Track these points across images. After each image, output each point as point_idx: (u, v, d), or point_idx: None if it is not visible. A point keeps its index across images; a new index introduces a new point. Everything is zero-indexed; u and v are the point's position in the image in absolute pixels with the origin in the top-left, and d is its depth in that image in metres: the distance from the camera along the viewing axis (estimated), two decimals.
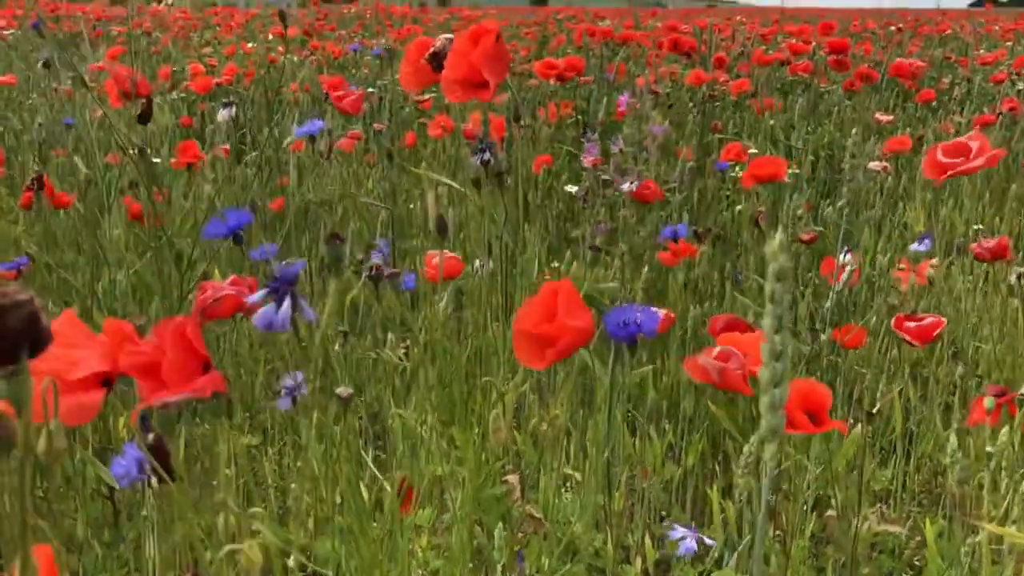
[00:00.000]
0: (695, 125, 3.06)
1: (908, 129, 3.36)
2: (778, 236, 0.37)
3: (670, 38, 3.07)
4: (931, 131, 3.17)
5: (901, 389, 1.32)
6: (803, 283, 1.72)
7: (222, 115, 1.28)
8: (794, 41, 3.79)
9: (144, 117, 1.45)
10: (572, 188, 2.41)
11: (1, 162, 1.70)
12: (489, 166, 0.89)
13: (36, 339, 0.34)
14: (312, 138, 1.30)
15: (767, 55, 3.18)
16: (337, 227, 1.86)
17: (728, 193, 2.25)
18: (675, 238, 1.33)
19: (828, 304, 1.13)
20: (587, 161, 1.90)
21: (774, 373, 0.38)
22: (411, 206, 2.19)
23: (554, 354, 0.76)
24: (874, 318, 1.38)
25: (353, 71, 4.14)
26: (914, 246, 1.35)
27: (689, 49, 3.51)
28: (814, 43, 3.58)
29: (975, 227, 2.16)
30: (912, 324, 1.05)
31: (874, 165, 2.04)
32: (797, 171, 2.33)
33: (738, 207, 1.90)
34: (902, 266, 1.59)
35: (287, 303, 0.55)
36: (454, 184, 1.34)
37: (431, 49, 0.89)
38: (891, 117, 2.45)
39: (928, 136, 3.17)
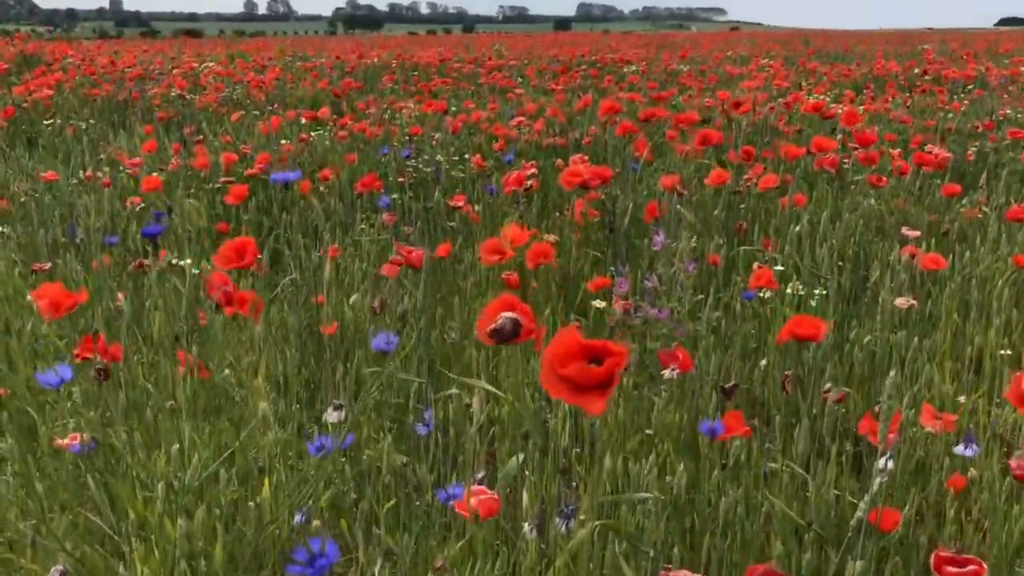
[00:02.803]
0: (720, 223, 3.11)
1: (936, 214, 3.38)
2: None
3: (699, 134, 3.11)
4: (957, 223, 3.19)
5: None
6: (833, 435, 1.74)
7: (331, 416, 1.34)
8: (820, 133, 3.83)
9: (219, 308, 1.54)
10: (601, 304, 2.46)
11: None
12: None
13: None
14: (385, 353, 1.38)
15: (795, 148, 3.21)
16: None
17: (756, 326, 2.28)
18: (713, 434, 1.37)
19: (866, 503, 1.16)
20: (618, 306, 1.95)
21: None
22: (446, 335, 2.24)
23: None
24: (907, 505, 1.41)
25: (383, 159, 4.23)
26: (958, 449, 1.38)
27: (716, 142, 3.56)
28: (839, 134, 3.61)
29: (1001, 351, 2.17)
30: (953, 569, 1.06)
31: (900, 302, 2.06)
32: (825, 291, 2.36)
33: (763, 361, 1.94)
34: (930, 427, 1.62)
35: None
36: (498, 392, 1.39)
37: (493, 326, 0.95)
38: (918, 233, 2.48)
39: (953, 230, 3.19)
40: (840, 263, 2.75)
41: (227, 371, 2.06)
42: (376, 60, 9.92)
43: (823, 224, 2.75)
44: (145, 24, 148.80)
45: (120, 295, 2.17)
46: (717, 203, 3.24)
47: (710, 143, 3.07)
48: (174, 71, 8.52)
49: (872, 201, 3.03)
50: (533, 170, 3.25)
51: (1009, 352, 2.19)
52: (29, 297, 2.19)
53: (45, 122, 4.84)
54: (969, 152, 4.46)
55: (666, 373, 1.48)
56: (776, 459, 1.54)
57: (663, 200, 2.87)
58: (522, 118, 4.74)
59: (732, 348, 2.23)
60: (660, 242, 2.06)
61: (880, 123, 5.72)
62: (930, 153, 3.26)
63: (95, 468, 1.48)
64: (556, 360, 0.85)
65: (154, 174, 3.92)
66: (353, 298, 2.02)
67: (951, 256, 2.70)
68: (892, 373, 1.04)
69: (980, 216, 3.30)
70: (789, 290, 2.33)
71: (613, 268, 2.77)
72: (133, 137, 5.45)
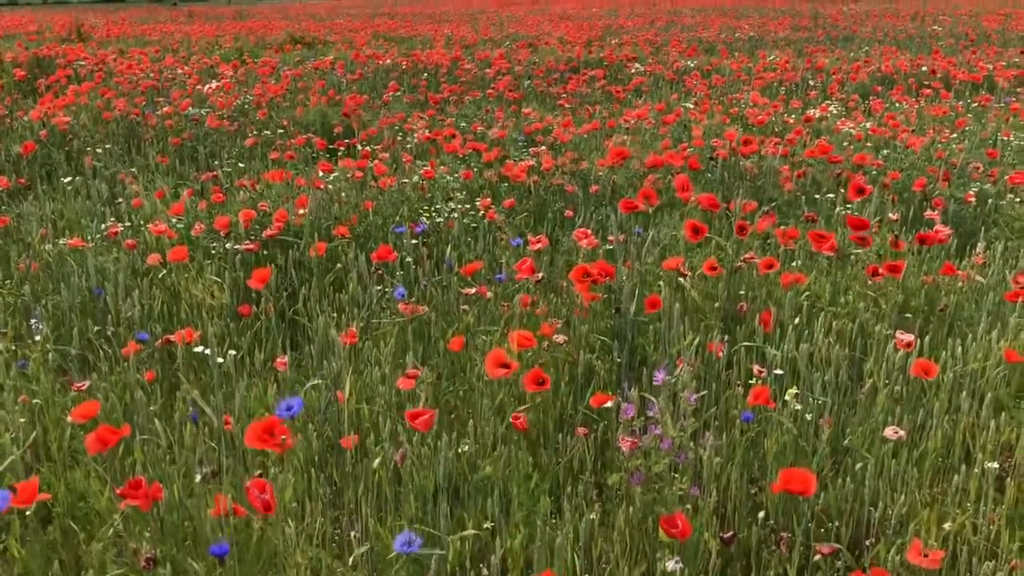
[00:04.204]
0: (722, 301, 3.22)
1: (933, 276, 3.47)
2: None
3: (689, 224, 3.19)
4: (953, 299, 3.28)
5: None
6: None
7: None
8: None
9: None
10: (608, 403, 2.58)
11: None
12: None
13: None
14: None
15: (791, 229, 3.30)
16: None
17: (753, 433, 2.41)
18: None
19: None
20: (624, 445, 2.08)
21: None
22: (460, 452, 2.36)
23: None
24: None
25: (400, 198, 4.34)
26: None
27: (711, 206, 3.66)
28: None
29: (988, 465, 2.29)
30: None
31: (888, 433, 2.18)
32: (824, 399, 2.48)
33: (760, 513, 2.06)
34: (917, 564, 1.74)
35: None
36: None
37: None
38: (911, 338, 2.58)
39: (950, 304, 3.28)
40: (838, 347, 2.86)
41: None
42: (389, 61, 9.95)
43: (822, 321, 2.86)
44: None
45: (158, 423, 2.30)
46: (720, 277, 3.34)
47: (703, 234, 3.16)
48: (185, 77, 8.58)
49: (870, 281, 3.13)
50: (540, 245, 3.37)
51: (996, 465, 2.31)
52: (70, 418, 2.32)
53: (64, 179, 4.93)
54: (969, 193, 4.54)
55: (670, 565, 1.61)
56: None
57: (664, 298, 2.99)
58: (531, 160, 4.83)
59: (733, 460, 2.36)
60: (661, 379, 2.18)
61: (887, 148, 5.79)
62: (933, 231, 3.36)
63: None
64: None
65: (175, 220, 4.05)
66: (376, 462, 2.14)
67: (944, 347, 2.82)
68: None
69: (977, 283, 3.40)
70: (788, 397, 2.45)
71: (619, 358, 2.90)
72: (148, 169, 5.56)
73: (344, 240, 3.85)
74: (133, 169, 5.63)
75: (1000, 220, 4.28)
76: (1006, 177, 4.64)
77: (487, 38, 16.94)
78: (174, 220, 3.94)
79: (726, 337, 2.82)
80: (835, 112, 7.32)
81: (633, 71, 9.73)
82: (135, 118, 6.52)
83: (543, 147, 5.89)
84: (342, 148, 5.94)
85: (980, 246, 3.55)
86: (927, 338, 3.03)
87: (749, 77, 9.31)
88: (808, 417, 2.41)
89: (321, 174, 4.37)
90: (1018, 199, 4.47)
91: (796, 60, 11.27)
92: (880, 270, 2.98)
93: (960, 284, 3.36)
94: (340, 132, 6.42)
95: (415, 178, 4.68)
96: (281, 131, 6.50)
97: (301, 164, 5.56)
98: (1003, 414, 2.62)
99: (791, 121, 6.77)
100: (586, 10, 32.80)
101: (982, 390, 2.72)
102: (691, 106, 7.72)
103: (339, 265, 3.67)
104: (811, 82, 9.37)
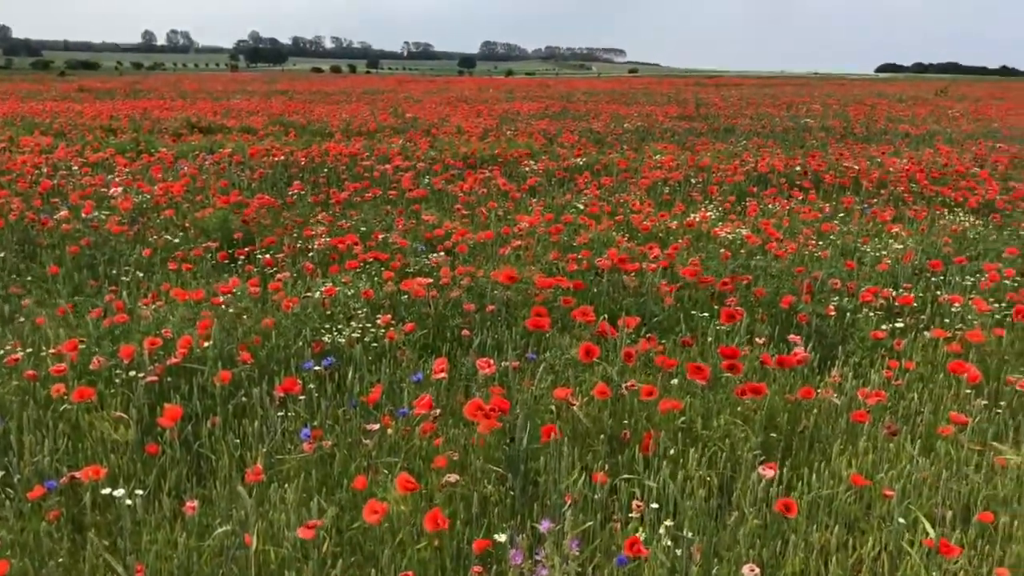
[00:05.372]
0: (607, 428, 3.49)
1: (793, 395, 3.83)
2: None
3: (583, 347, 3.47)
4: (812, 419, 3.64)
5: None
6: None
7: None
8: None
9: None
10: (502, 539, 2.79)
11: None
12: None
13: None
14: None
15: (669, 360, 3.62)
16: None
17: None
18: None
19: None
20: None
21: None
22: None
23: None
24: None
25: (302, 317, 4.50)
26: None
27: (604, 332, 3.96)
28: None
29: None
30: None
31: (745, 571, 2.46)
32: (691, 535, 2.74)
33: None
34: None
35: None
36: None
37: None
38: (773, 473, 2.89)
39: (809, 425, 3.64)
40: (709, 476, 3.15)
41: None
42: (284, 157, 10.12)
43: (694, 451, 3.15)
44: (36, 53, 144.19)
45: None
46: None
47: (594, 355, 3.45)
48: (81, 175, 8.55)
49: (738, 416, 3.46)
50: (443, 374, 3.58)
51: None
52: None
53: None
54: (829, 307, 4.98)
55: None
56: None
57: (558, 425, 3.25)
58: (430, 278, 5.08)
59: None
60: (547, 527, 2.41)
61: (759, 254, 6.27)
62: (793, 354, 3.73)
63: None
64: None
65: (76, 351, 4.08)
66: None
67: (804, 466, 3.15)
68: None
69: (835, 401, 3.76)
70: (662, 530, 2.70)
71: (512, 491, 3.11)
72: (45, 279, 5.55)
73: (248, 366, 3.97)
74: (29, 277, 5.63)
75: (855, 335, 4.72)
76: (861, 291, 5.12)
77: (385, 124, 17.30)
78: (73, 356, 3.98)
79: (608, 467, 3.08)
80: (714, 217, 7.84)
81: (527, 169, 10.17)
82: (30, 222, 6.49)
83: (442, 253, 6.17)
84: (242, 256, 6.05)
85: (837, 365, 3.94)
86: (789, 460, 3.37)
87: (636, 176, 9.85)
88: (679, 552, 2.67)
89: (223, 297, 4.49)
90: (872, 313, 4.93)
91: (680, 155, 11.96)
92: (745, 391, 3.31)
93: (816, 407, 3.73)
94: (240, 238, 6.54)
95: (317, 294, 4.86)
96: (182, 234, 6.57)
97: (202, 275, 5.66)
98: (854, 532, 2.95)
99: (674, 226, 7.25)
100: (483, 92, 33.81)
101: (836, 510, 3.05)
102: (581, 207, 8.15)
103: (243, 392, 3.79)
104: (693, 180, 10.02)
